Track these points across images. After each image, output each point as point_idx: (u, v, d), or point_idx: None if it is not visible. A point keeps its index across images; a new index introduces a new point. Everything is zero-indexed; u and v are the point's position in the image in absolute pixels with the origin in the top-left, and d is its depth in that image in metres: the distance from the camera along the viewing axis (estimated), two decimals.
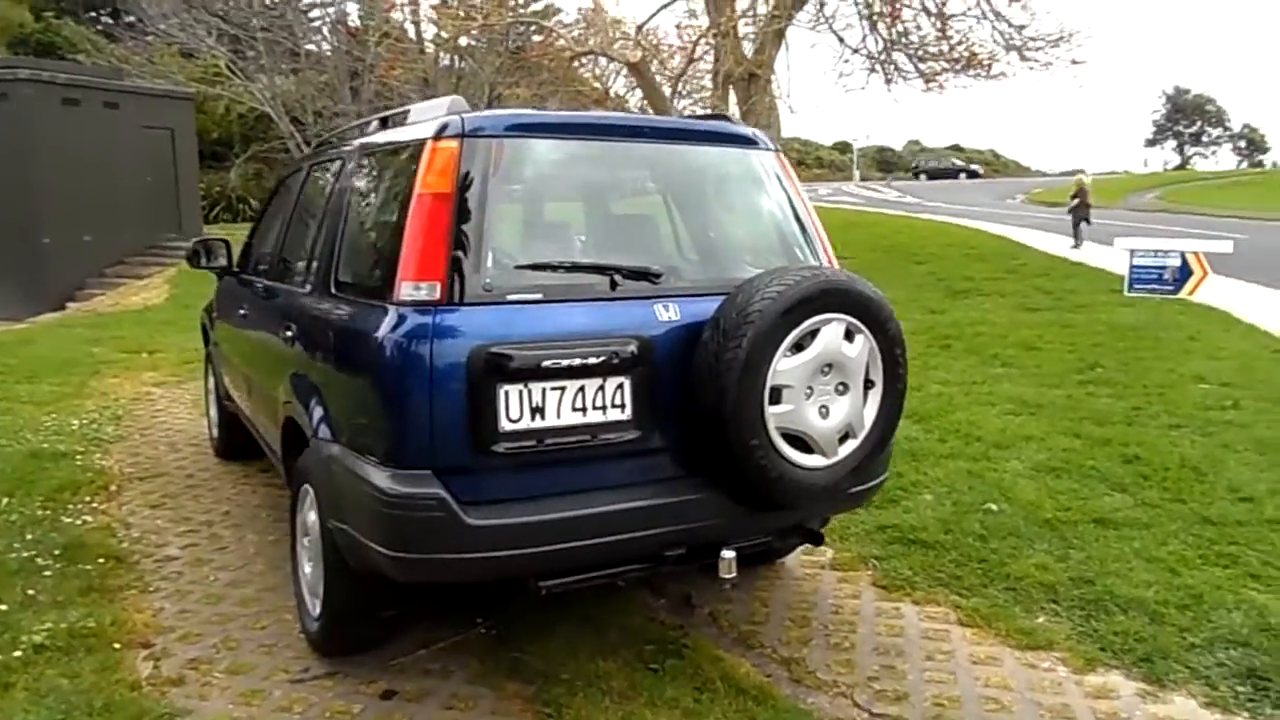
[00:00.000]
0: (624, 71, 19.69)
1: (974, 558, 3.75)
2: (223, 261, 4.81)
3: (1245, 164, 57.58)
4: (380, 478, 2.51)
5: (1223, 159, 59.67)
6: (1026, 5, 14.87)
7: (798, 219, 3.15)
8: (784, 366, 2.62)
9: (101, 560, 3.87)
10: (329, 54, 26.31)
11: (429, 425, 2.50)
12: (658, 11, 18.98)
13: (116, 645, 3.18)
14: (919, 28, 15.40)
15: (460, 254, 2.57)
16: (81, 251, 15.13)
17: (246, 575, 3.80)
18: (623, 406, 2.67)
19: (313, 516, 3.07)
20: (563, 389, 2.59)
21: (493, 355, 2.50)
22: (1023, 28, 15.04)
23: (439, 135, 2.67)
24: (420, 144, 2.72)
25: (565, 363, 2.57)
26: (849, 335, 2.73)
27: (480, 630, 3.28)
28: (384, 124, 3.62)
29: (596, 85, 22.80)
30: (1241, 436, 5.15)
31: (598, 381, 2.63)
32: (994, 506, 4.23)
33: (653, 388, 2.69)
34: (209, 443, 5.68)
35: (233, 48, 20.84)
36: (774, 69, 15.28)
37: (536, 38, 21.65)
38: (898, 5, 14.78)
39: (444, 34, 20.59)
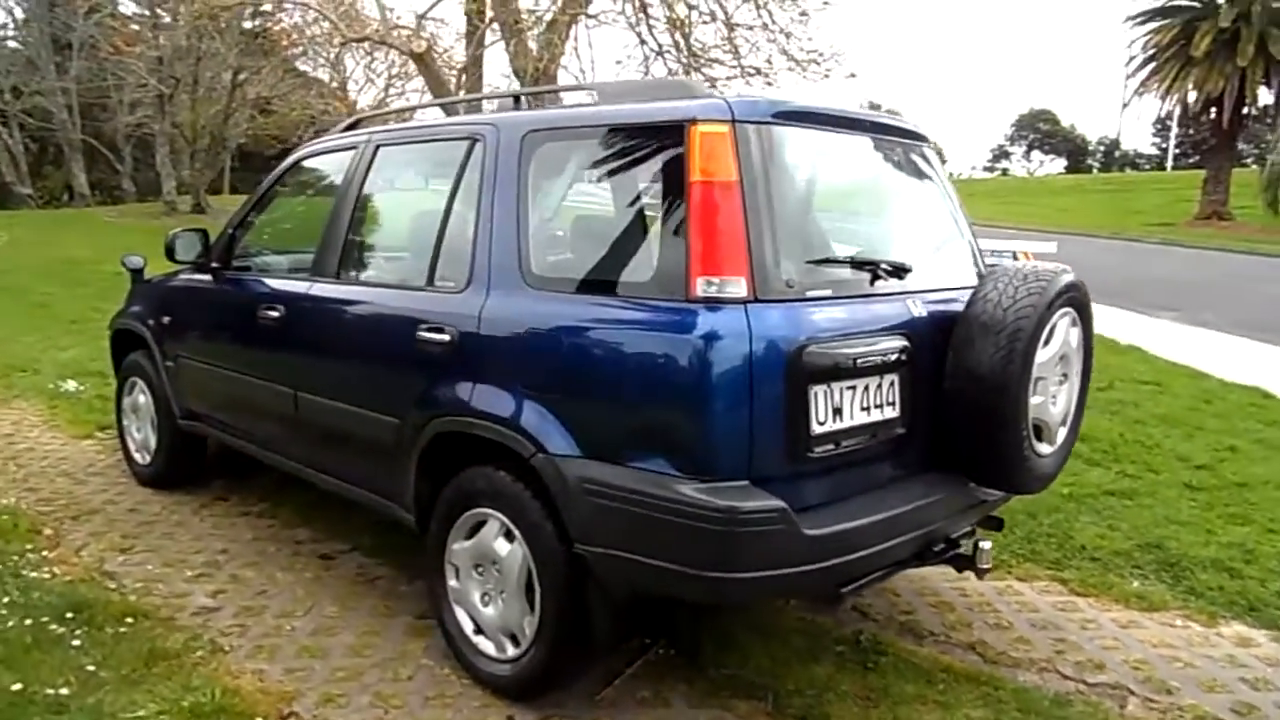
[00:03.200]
0: (366, 62, 18.84)
1: (1039, 533, 4.05)
2: (200, 258, 4.08)
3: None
4: (695, 492, 2.29)
5: (1053, 166, 65.01)
6: (806, 22, 15.97)
7: (956, 212, 3.25)
8: (1040, 359, 2.71)
9: (131, 620, 3.16)
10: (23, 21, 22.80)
11: (748, 431, 2.32)
12: (436, 3, 18.34)
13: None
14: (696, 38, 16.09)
15: (760, 247, 2.40)
16: None
17: (329, 621, 3.27)
18: (894, 404, 2.63)
19: (502, 546, 2.73)
20: (854, 388, 2.51)
21: (810, 355, 2.37)
22: (804, 41, 16.21)
23: (706, 119, 2.47)
24: (677, 127, 2.49)
25: (865, 361, 2.50)
26: (1072, 325, 2.87)
27: (656, 651, 3.07)
28: (516, 102, 3.29)
29: (331, 73, 21.26)
30: (1142, 414, 5.96)
31: (878, 379, 2.58)
32: None
33: (914, 384, 2.68)
34: (124, 471, 4.78)
35: None
36: (562, 65, 15.33)
37: (286, 21, 20.07)
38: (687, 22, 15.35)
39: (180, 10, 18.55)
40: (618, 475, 2.43)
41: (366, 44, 17.21)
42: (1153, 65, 29.78)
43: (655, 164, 2.58)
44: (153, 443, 4.57)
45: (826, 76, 15.96)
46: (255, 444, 3.94)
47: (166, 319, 4.40)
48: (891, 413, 2.63)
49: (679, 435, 2.36)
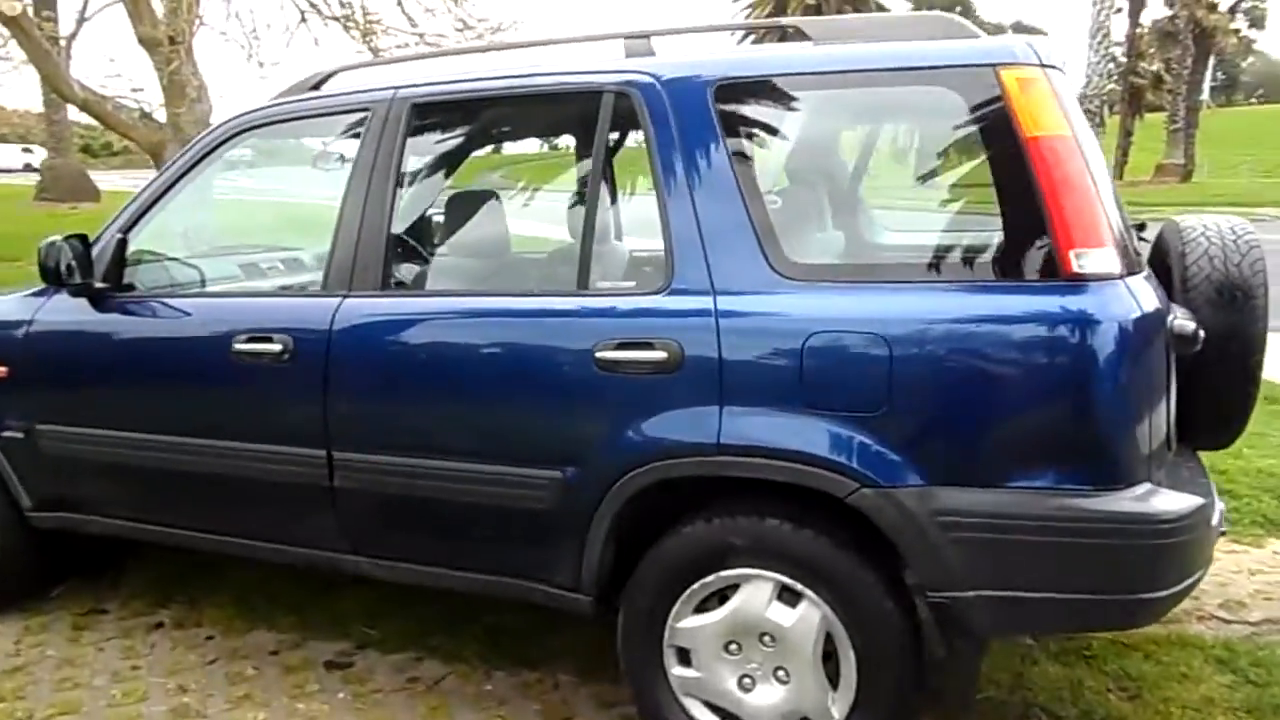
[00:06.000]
0: None
1: None
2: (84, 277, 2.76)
3: None
4: (1122, 505, 1.91)
5: None
6: None
7: None
8: None
9: None
10: None
11: (1149, 425, 1.98)
12: None
13: None
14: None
15: (1111, 212, 2.05)
16: None
17: None
18: None
19: (780, 613, 2.12)
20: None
21: (1173, 333, 2.08)
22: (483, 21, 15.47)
23: (1017, 62, 2.04)
24: (979, 71, 2.03)
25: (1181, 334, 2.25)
26: None
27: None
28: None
29: None
30: None
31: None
32: None
33: None
34: None
35: None
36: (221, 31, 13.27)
37: None
38: None
39: None
40: (997, 502, 1.96)
41: None
42: None
43: (949, 118, 2.12)
44: None
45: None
46: (217, 533, 2.80)
47: (5, 370, 2.97)
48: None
49: (1079, 440, 1.95)
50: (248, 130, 2.82)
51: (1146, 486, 1.96)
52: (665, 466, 2.16)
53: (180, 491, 2.80)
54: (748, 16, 34.14)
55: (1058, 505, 1.93)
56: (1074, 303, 1.92)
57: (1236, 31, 50.39)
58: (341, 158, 3.08)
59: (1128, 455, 1.94)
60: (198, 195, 3.06)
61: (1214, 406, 2.58)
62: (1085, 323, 1.91)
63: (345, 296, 2.51)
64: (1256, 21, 51.00)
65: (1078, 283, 1.93)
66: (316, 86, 2.81)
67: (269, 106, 2.82)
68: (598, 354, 2.19)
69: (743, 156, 2.19)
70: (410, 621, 3.02)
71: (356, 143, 2.62)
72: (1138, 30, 37.69)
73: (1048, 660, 2.77)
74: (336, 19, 15.12)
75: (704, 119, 2.21)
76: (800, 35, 2.36)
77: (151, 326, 2.80)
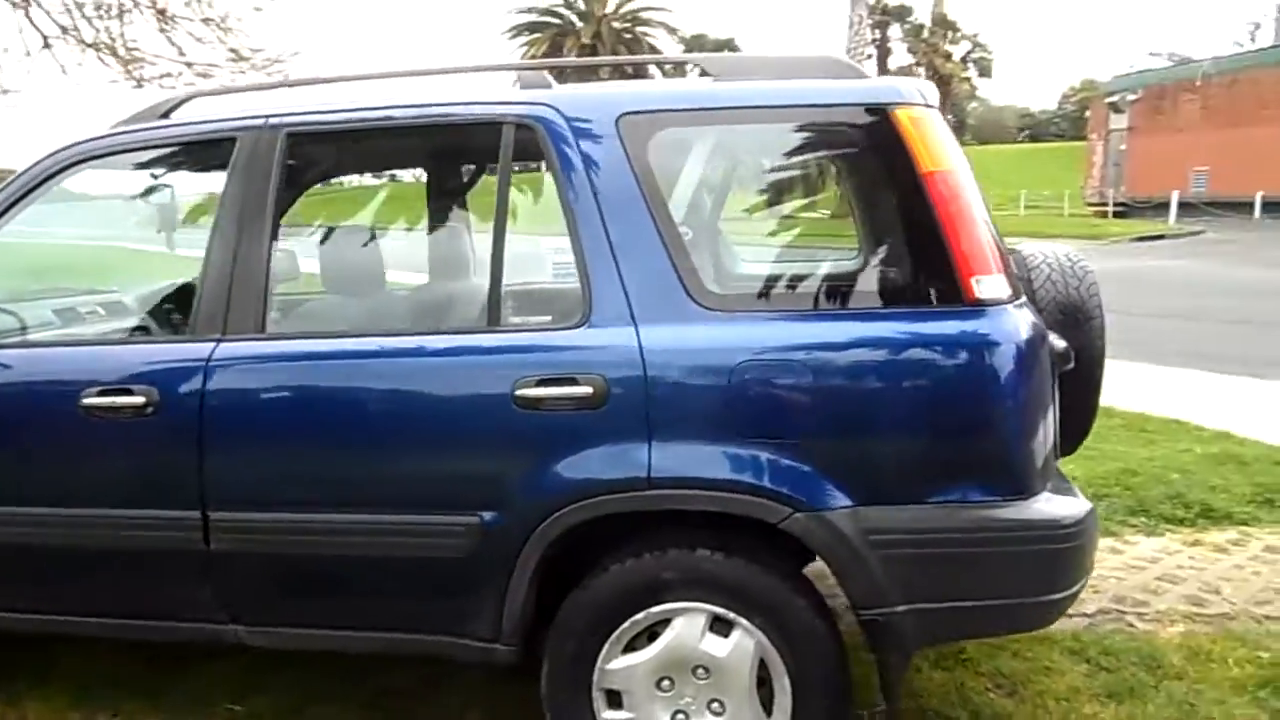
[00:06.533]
0: None
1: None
2: None
3: None
4: (1031, 513, 2.05)
5: None
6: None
7: None
8: None
9: None
10: None
11: (1046, 437, 2.15)
12: None
13: None
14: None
15: (996, 242, 2.21)
16: None
17: None
18: None
19: (714, 644, 2.11)
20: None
21: (1054, 353, 2.26)
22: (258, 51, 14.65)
23: (910, 102, 2.17)
24: (877, 110, 2.15)
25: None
26: None
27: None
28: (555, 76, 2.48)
29: None
30: None
31: None
32: None
33: None
34: None
35: None
36: None
37: None
38: None
39: None
40: (919, 517, 2.06)
41: None
42: None
43: (848, 152, 2.22)
44: None
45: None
46: (69, 614, 2.45)
47: None
48: None
49: (989, 454, 2.09)
50: (83, 161, 2.53)
51: (1046, 495, 2.12)
52: (594, 504, 2.11)
53: (22, 569, 2.44)
54: (524, 56, 34.65)
55: (974, 517, 2.05)
56: (976, 326, 2.06)
57: (968, 79, 56.46)
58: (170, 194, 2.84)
59: (1030, 466, 2.09)
60: (14, 234, 2.70)
61: (1067, 418, 2.84)
62: (987, 345, 2.06)
63: (219, 341, 2.28)
64: (984, 70, 57.54)
65: (977, 308, 2.07)
66: (166, 115, 2.56)
67: (110, 135, 2.54)
68: (517, 392, 2.11)
69: (653, 188, 2.20)
70: (283, 693, 2.77)
71: (216, 176, 2.41)
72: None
73: (930, 668, 2.93)
74: (93, 45, 13.94)
75: (611, 151, 2.20)
76: (701, 73, 2.41)
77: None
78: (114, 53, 13.43)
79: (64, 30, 13.02)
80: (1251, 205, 26.51)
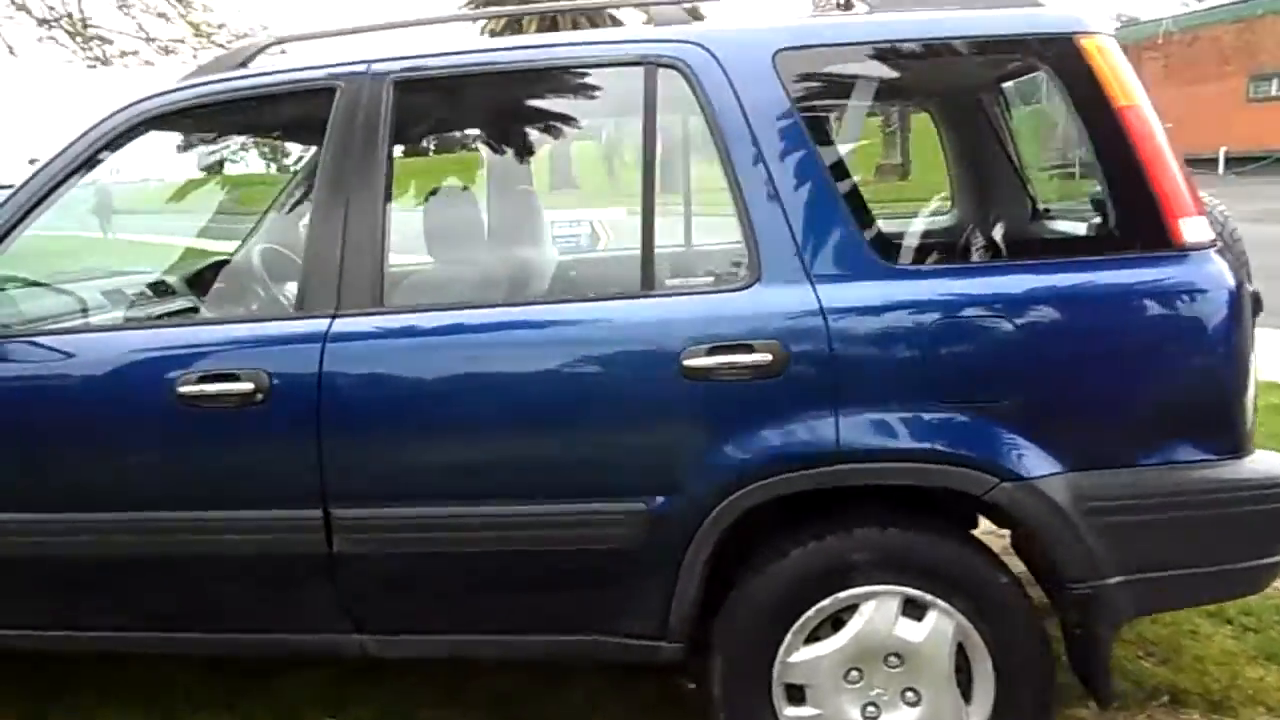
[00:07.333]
0: None
1: None
2: None
3: None
4: (1251, 473, 1.89)
5: None
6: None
7: None
8: None
9: None
10: None
11: (1254, 391, 1.98)
12: None
13: None
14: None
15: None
16: None
17: None
18: None
19: (909, 629, 1.92)
20: None
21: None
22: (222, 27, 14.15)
23: (1096, 31, 1.96)
24: (1058, 40, 1.95)
25: None
26: None
27: None
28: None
29: None
30: None
31: None
32: None
33: None
34: None
35: None
36: None
37: None
38: None
39: None
40: (1136, 482, 1.89)
41: None
42: None
43: (1032, 89, 2.02)
44: None
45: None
46: (169, 630, 2.20)
47: None
48: None
49: (1208, 409, 1.92)
50: (153, 120, 2.25)
51: (1257, 453, 1.96)
52: (777, 483, 1.90)
53: (102, 584, 2.18)
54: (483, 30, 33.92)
55: (1193, 478, 1.89)
56: (1187, 271, 1.89)
57: None
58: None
59: (1245, 422, 1.93)
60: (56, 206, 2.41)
61: None
62: (1201, 291, 1.89)
63: (334, 316, 2.04)
64: None
65: (1185, 252, 1.89)
66: (244, 63, 2.29)
67: (181, 89, 2.26)
68: (685, 362, 1.90)
69: (819, 132, 1.99)
70: (383, 702, 2.54)
71: (314, 129, 2.15)
72: None
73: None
74: (45, 22, 13.41)
75: (771, 92, 1.98)
76: (845, 4, 2.19)
77: (39, 374, 2.15)
78: (71, 32, 12.87)
79: (16, 6, 12.44)
80: (1216, 161, 26.78)
